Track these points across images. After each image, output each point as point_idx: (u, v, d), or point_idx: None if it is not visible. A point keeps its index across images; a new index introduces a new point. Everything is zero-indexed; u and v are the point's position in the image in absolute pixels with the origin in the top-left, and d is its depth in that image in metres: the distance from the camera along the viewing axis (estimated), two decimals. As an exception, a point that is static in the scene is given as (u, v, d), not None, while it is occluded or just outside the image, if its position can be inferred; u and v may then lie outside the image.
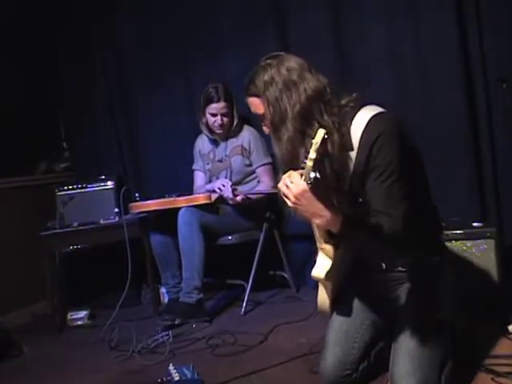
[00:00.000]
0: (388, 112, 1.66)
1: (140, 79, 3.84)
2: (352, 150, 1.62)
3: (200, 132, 3.37)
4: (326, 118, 1.61)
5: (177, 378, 2.04)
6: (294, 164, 1.58)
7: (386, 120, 1.62)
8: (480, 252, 2.42)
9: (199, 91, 3.30)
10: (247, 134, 3.28)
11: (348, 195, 1.66)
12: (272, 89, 1.64)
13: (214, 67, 3.55)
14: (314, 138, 1.39)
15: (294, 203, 1.47)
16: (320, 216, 1.51)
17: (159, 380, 2.08)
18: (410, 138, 1.68)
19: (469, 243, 2.44)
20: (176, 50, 3.70)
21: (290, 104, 1.61)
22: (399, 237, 1.55)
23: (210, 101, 3.18)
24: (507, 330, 2.12)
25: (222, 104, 3.16)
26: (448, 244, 2.29)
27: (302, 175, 1.43)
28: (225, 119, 3.20)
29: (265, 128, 1.76)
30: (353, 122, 1.63)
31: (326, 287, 1.80)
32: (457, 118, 2.94)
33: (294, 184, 1.45)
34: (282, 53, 1.75)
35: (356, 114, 1.64)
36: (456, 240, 2.44)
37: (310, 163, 1.38)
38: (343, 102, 1.66)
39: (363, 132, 1.60)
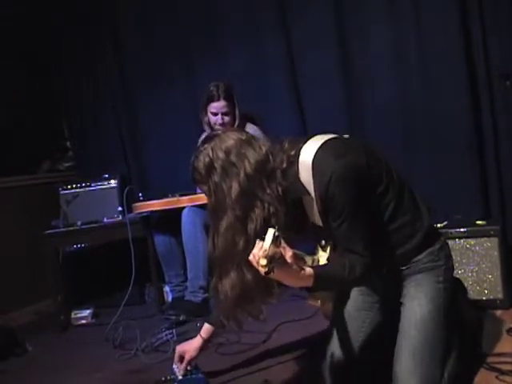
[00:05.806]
0: (327, 143, 1.59)
1: (142, 78, 3.85)
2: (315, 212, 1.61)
3: (203, 131, 3.37)
4: (268, 191, 1.55)
5: (181, 377, 2.05)
6: (231, 259, 1.56)
7: (329, 154, 1.55)
8: (483, 250, 2.42)
9: (201, 91, 3.29)
10: (251, 132, 3.26)
11: (321, 228, 1.67)
12: (213, 175, 1.57)
13: (215, 67, 3.55)
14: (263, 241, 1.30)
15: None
16: (289, 283, 1.47)
17: (163, 378, 2.08)
18: (360, 153, 1.60)
19: (472, 241, 2.44)
20: (177, 50, 3.71)
21: (230, 189, 1.54)
22: (370, 266, 1.57)
23: (210, 99, 3.14)
24: (511, 327, 2.12)
25: (222, 103, 3.12)
26: (451, 242, 2.30)
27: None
28: (226, 118, 3.15)
29: None
30: (299, 171, 1.59)
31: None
32: (460, 116, 2.94)
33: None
34: (218, 132, 1.69)
35: (298, 160, 1.60)
36: (459, 238, 2.45)
37: (262, 269, 1.30)
38: (284, 163, 1.59)
39: (314, 176, 1.56)
